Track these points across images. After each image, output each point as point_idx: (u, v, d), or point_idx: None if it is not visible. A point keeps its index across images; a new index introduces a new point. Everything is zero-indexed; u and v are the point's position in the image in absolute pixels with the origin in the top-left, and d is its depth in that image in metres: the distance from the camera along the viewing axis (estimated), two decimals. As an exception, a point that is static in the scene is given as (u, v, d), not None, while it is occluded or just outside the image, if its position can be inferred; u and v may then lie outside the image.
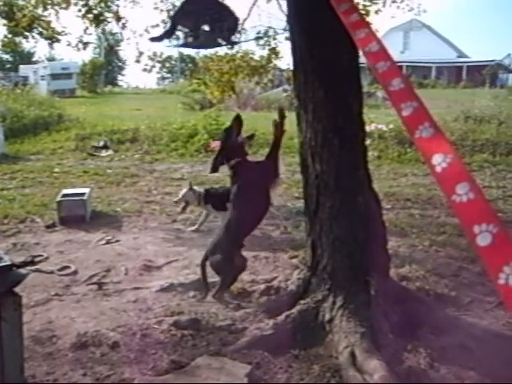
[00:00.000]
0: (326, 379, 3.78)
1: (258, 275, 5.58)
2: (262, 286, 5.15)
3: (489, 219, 1.60)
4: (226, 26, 4.66)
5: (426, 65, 46.90)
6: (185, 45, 5.43)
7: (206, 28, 4.67)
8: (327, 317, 4.30)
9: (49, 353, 4.12)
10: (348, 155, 4.38)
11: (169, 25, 5.09)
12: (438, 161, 1.77)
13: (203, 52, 10.79)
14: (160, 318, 4.62)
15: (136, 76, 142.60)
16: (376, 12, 9.77)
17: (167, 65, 65.58)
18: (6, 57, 57.18)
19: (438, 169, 1.76)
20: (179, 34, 5.00)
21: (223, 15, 4.73)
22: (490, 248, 1.55)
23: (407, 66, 44.70)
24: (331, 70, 4.29)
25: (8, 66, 53.47)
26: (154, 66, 53.35)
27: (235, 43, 5.19)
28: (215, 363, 3.82)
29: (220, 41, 4.78)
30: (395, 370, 3.75)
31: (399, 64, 44.50)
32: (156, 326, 4.47)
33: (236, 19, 4.95)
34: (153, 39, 5.63)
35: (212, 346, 4.16)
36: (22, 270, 3.37)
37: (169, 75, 65.97)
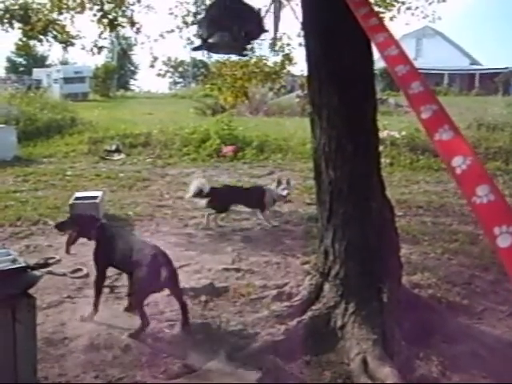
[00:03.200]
0: (337, 386, 3.78)
1: (270, 281, 5.58)
2: (274, 292, 5.15)
3: (509, 221, 1.59)
4: (250, 29, 4.65)
5: (439, 72, 46.69)
6: (207, 49, 5.37)
7: (228, 32, 4.65)
8: (339, 323, 4.30)
9: (61, 355, 4.14)
10: (362, 162, 4.39)
11: (199, 33, 5.05)
12: (458, 163, 1.77)
13: (215, 57, 10.82)
14: (171, 322, 4.64)
15: (148, 80, 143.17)
16: (391, 18, 9.78)
17: (180, 69, 65.79)
18: (19, 60, 57.61)
19: (458, 171, 1.76)
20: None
21: (246, 18, 4.69)
22: (510, 249, 1.55)
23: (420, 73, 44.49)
24: (346, 75, 4.29)
25: (21, 69, 53.82)
26: (168, 71, 53.38)
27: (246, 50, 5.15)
28: (226, 368, 3.83)
29: (238, 47, 4.76)
30: (407, 377, 3.75)
31: (412, 71, 44.33)
32: (167, 330, 4.48)
33: (260, 21, 4.90)
34: (195, 48, 5.57)
35: (223, 350, 4.15)
36: (36, 272, 3.40)
37: (181, 80, 66.18)
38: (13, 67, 55.35)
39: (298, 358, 4.08)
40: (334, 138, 4.38)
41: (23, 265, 3.28)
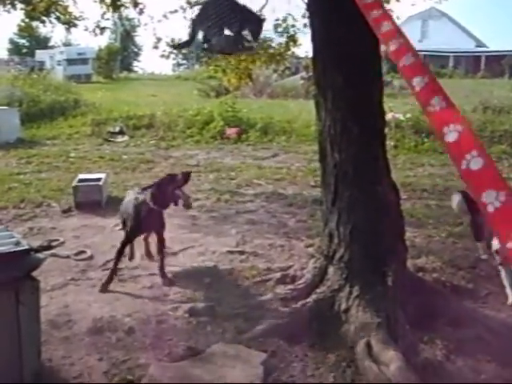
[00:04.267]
0: (341, 369, 3.78)
1: (274, 263, 5.56)
2: (278, 275, 5.13)
3: (499, 186, 1.62)
4: (249, 29, 4.58)
5: (444, 54, 46.36)
6: (206, 49, 5.33)
7: (227, 32, 4.59)
8: (343, 306, 4.28)
9: (65, 337, 4.14)
10: (367, 144, 4.34)
11: (189, 31, 5.01)
12: (450, 130, 1.78)
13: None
14: (175, 304, 4.64)
15: (151, 62, 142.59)
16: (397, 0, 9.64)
17: (183, 51, 65.37)
18: (22, 41, 57.31)
19: (450, 139, 1.79)
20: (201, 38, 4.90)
21: (245, 18, 4.63)
22: (499, 212, 1.58)
23: (424, 55, 44.19)
24: (352, 57, 4.23)
25: (24, 50, 53.55)
26: (171, 53, 52.92)
27: (252, 48, 5.07)
28: (231, 351, 3.82)
29: (240, 46, 4.69)
30: (411, 361, 3.73)
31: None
32: (171, 313, 4.48)
33: (259, 22, 4.84)
34: (175, 47, 5.54)
35: (227, 333, 4.16)
36: (40, 255, 3.39)
37: (184, 61, 65.83)
38: (16, 49, 55.10)
39: (302, 341, 4.08)
40: (339, 120, 4.34)
41: (26, 247, 3.27)
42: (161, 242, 5.30)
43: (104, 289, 4.96)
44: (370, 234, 4.38)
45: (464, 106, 14.59)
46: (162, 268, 5.19)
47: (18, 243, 3.43)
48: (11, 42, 57.60)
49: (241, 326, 4.26)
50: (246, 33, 4.60)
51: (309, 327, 4.21)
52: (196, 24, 4.87)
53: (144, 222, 5.14)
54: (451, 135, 1.79)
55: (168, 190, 5.02)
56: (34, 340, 3.44)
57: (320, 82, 4.47)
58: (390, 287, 4.28)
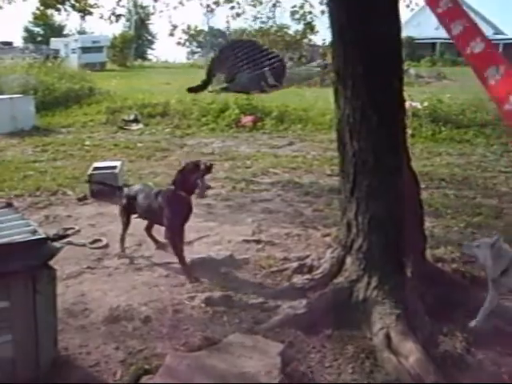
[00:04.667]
0: (360, 360, 3.73)
1: (291, 253, 5.51)
2: (295, 264, 5.09)
3: (498, 62, 1.81)
4: (271, 70, 4.52)
5: (461, 42, 45.74)
6: (226, 89, 5.30)
7: (248, 72, 4.55)
8: (361, 297, 4.23)
9: (82, 326, 4.13)
10: (387, 133, 4.27)
11: (205, 74, 4.98)
12: (492, 73, 1.79)
13: (234, 26, 10.61)
14: (192, 293, 4.61)
15: (165, 50, 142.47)
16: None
17: (197, 39, 65.20)
18: (37, 30, 57.47)
19: (492, 81, 1.81)
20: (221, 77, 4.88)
21: (267, 59, 4.58)
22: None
23: (441, 43, 43.73)
24: (372, 43, 4.14)
25: (39, 38, 53.69)
26: (187, 40, 52.90)
27: (276, 86, 4.99)
28: (248, 341, 3.77)
29: (263, 84, 4.65)
30: (431, 353, 3.67)
31: (433, 41, 43.66)
32: (187, 302, 4.45)
33: (282, 64, 4.78)
34: (190, 90, 5.45)
35: (244, 323, 4.14)
36: (56, 244, 3.36)
37: (198, 50, 65.66)
38: (30, 37, 55.29)
39: (319, 332, 4.03)
40: (359, 108, 4.26)
41: (43, 236, 3.25)
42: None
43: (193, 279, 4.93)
44: (388, 224, 4.31)
45: (480, 94, 14.46)
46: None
47: (34, 232, 3.41)
48: (26, 30, 57.82)
49: (257, 316, 4.23)
50: (267, 73, 4.55)
51: (326, 318, 4.16)
52: (214, 66, 4.79)
53: (181, 210, 5.12)
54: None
55: (191, 178, 5.02)
56: (51, 329, 3.42)
57: (339, 69, 4.38)
58: (408, 278, 4.23)
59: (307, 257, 5.27)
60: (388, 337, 3.82)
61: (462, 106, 13.72)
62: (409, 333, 3.82)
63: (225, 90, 5.09)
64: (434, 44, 44.28)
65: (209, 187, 5.13)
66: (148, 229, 5.72)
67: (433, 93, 13.28)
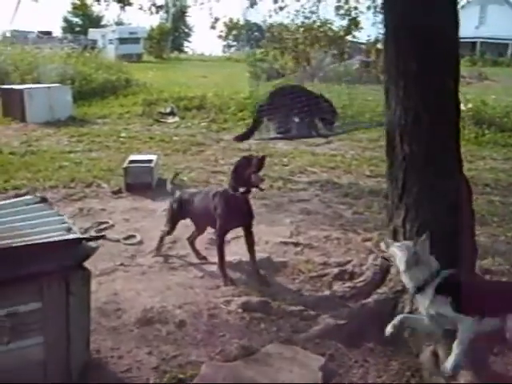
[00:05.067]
0: (405, 378, 3.52)
1: (330, 257, 5.30)
2: (335, 270, 4.88)
3: None
4: (321, 117, 4.28)
5: (502, 41, 44.80)
6: (275, 138, 5.05)
7: (297, 120, 4.31)
8: (407, 309, 3.99)
9: (114, 327, 3.99)
10: (441, 136, 4.02)
11: (253, 119, 4.75)
12: None
13: (273, 19, 10.39)
14: (228, 297, 4.44)
15: (201, 43, 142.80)
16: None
17: (233, 32, 65.11)
18: (75, 20, 58.00)
19: None
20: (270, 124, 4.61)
21: (317, 106, 4.35)
22: None
23: (481, 43, 42.85)
24: (427, 41, 3.89)
25: (77, 29, 54.15)
26: (229, 34, 52.85)
27: (327, 136, 4.73)
28: (287, 352, 3.60)
29: (314, 134, 4.41)
30: (481, 374, 3.43)
31: (473, 40, 42.78)
32: (224, 306, 4.28)
33: (333, 112, 4.50)
34: (237, 138, 5.19)
35: (282, 332, 3.95)
36: (92, 243, 3.21)
37: (235, 43, 65.55)
38: (69, 27, 55.80)
39: (361, 345, 3.83)
40: (411, 109, 4.01)
41: (79, 236, 3.10)
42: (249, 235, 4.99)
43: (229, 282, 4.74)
44: (438, 233, 4.05)
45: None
46: (257, 270, 4.88)
47: (69, 229, 3.27)
48: (65, 20, 58.39)
49: (296, 324, 4.04)
50: (317, 121, 4.33)
51: (369, 330, 3.95)
52: (263, 112, 4.57)
53: (234, 209, 4.85)
54: None
55: (245, 174, 4.75)
56: (83, 331, 3.28)
57: (391, 68, 4.14)
58: (458, 291, 3.98)
59: (348, 262, 5.05)
60: (435, 355, 3.60)
61: (507, 109, 13.26)
62: (458, 351, 3.59)
63: (273, 139, 4.90)
64: (473, 43, 43.36)
65: (262, 179, 4.86)
66: (192, 240, 5.44)
67: (476, 93, 12.85)
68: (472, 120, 12.20)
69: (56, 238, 3.04)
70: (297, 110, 4.16)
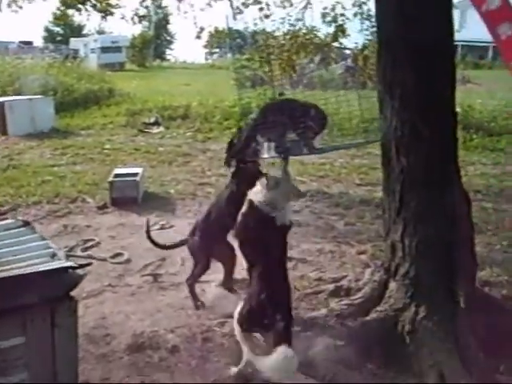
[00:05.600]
0: (410, 402, 3.37)
1: (325, 272, 5.16)
2: (331, 286, 4.73)
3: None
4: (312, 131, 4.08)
5: (483, 45, 45.10)
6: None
7: (292, 136, 4.10)
8: (408, 328, 3.85)
9: (103, 354, 3.82)
10: (438, 148, 3.89)
11: (242, 138, 4.52)
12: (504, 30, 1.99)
13: (260, 27, 10.25)
14: (221, 318, 4.25)
15: (184, 50, 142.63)
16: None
17: (216, 39, 64.97)
18: (56, 29, 57.60)
19: (503, 37, 1.76)
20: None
21: (309, 119, 4.13)
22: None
23: (462, 46, 43.02)
24: (424, 51, 3.76)
25: (59, 38, 53.79)
26: (210, 42, 52.65)
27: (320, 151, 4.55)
28: (285, 379, 3.42)
29: (305, 150, 4.19)
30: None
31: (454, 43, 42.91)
32: (217, 329, 4.11)
33: (322, 121, 4.26)
34: (227, 161, 4.87)
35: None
36: (79, 271, 3.02)
37: (217, 50, 65.40)
38: (50, 37, 55.44)
39: (361, 366, 3.68)
40: (407, 120, 3.88)
41: (65, 265, 2.91)
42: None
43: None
44: (438, 248, 3.94)
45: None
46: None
47: (54, 255, 3.08)
48: (46, 30, 58.01)
49: (294, 346, 3.86)
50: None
51: (369, 350, 3.80)
52: (253, 130, 4.36)
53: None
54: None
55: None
56: (71, 364, 3.07)
57: (386, 77, 4.00)
58: (460, 307, 3.84)
59: (344, 277, 4.92)
60: (441, 376, 3.46)
61: (493, 113, 13.24)
62: (463, 372, 3.46)
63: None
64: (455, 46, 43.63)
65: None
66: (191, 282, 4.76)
67: (462, 98, 12.74)
68: (460, 125, 12.09)
69: (40, 268, 2.85)
70: (292, 127, 3.97)
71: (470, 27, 46.47)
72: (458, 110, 11.38)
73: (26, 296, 2.74)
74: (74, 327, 3.02)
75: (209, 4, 8.60)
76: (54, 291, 2.85)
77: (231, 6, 8.11)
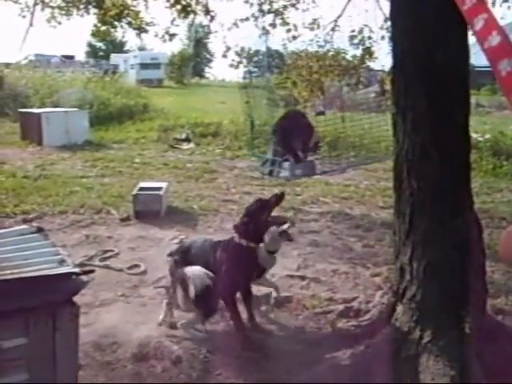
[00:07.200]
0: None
1: (337, 293, 5.15)
2: (341, 307, 4.73)
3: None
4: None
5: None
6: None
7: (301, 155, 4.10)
8: (412, 352, 3.82)
9: (108, 362, 3.88)
10: (449, 172, 3.87)
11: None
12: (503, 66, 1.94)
13: (292, 48, 10.37)
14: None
15: (223, 69, 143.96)
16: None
17: (255, 59, 65.52)
18: (99, 45, 58.89)
19: (503, 73, 1.94)
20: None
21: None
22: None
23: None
24: (437, 74, 3.78)
25: (101, 53, 54.99)
26: (240, 62, 52.96)
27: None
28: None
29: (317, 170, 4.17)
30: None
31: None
32: (222, 344, 4.14)
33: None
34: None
35: (279, 373, 3.78)
36: (83, 278, 3.11)
37: (255, 69, 65.88)
38: (92, 52, 56.70)
39: (364, 389, 3.66)
40: (419, 144, 3.88)
41: (69, 271, 3.00)
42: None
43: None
44: (446, 272, 3.90)
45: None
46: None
47: (62, 261, 3.17)
48: (89, 45, 59.35)
49: (295, 365, 3.87)
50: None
51: (373, 372, 3.78)
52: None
53: (246, 265, 4.36)
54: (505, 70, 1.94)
55: (261, 220, 4.31)
56: (71, 369, 3.15)
57: (399, 101, 4.02)
58: (466, 334, 3.80)
59: (354, 299, 4.91)
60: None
61: (526, 140, 13.07)
62: (467, 400, 3.42)
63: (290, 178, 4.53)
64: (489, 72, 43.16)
65: (285, 221, 4.40)
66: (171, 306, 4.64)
67: (494, 123, 12.65)
68: (490, 151, 12.01)
69: (45, 272, 2.94)
70: (300, 146, 4.00)
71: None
72: (488, 136, 11.33)
73: (29, 298, 2.82)
74: (75, 332, 3.09)
75: (235, 24, 8.69)
76: (57, 295, 2.93)
77: (256, 25, 8.17)
